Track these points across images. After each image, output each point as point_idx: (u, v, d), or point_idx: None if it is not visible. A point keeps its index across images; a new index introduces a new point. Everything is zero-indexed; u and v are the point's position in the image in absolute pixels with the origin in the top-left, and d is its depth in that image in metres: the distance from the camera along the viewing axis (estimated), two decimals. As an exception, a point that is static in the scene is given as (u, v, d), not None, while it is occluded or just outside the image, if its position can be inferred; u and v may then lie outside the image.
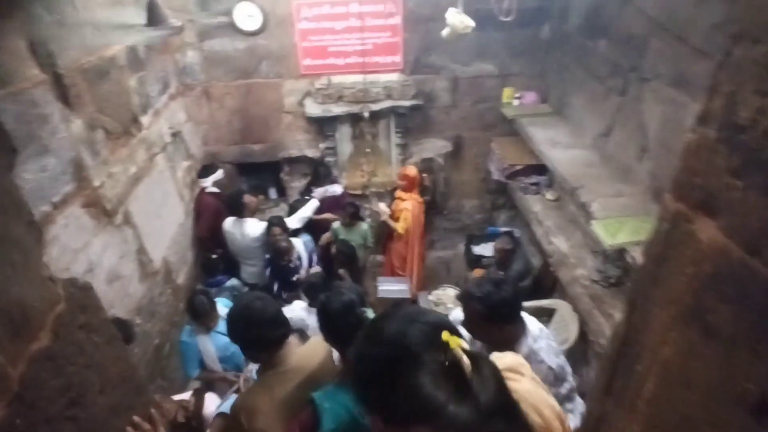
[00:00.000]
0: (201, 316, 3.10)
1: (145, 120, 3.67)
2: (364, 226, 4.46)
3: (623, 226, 2.83)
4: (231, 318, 1.87)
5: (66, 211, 2.60)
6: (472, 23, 3.33)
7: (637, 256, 2.63)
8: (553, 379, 1.92)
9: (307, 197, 4.66)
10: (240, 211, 4.18)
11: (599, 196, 3.16)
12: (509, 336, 1.94)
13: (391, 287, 4.48)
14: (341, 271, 4.18)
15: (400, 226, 4.45)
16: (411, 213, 4.43)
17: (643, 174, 3.14)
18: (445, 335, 0.78)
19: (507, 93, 4.72)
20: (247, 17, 4.18)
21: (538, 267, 4.69)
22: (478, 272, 4.86)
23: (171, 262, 3.91)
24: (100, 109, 3.03)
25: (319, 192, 4.58)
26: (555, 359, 1.96)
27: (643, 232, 2.71)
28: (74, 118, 2.76)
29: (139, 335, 3.13)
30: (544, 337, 2.00)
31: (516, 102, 4.71)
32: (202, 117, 4.73)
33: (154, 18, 2.03)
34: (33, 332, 0.87)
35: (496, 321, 1.89)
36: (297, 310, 3.35)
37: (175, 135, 4.29)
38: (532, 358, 1.89)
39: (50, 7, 2.63)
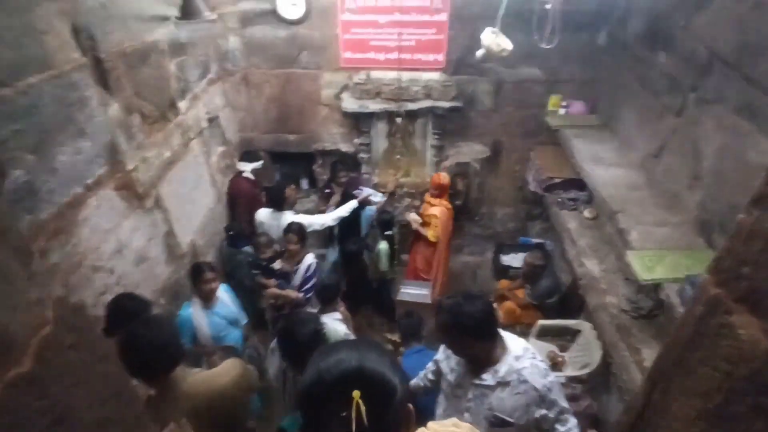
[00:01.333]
0: (198, 282, 3.23)
1: (182, 105, 3.70)
2: (383, 247, 4.35)
3: (662, 260, 2.63)
4: (121, 344, 1.81)
5: (98, 193, 2.67)
6: (509, 45, 3.16)
7: (672, 294, 2.44)
8: (539, 401, 1.92)
9: (328, 190, 4.62)
10: (281, 203, 4.19)
11: (640, 223, 2.96)
12: (484, 353, 1.95)
13: (412, 291, 4.42)
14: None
15: (431, 234, 4.37)
16: (440, 220, 4.31)
17: (691, 204, 2.91)
18: (355, 393, 0.88)
19: (553, 100, 4.49)
20: (291, 5, 4.13)
21: (567, 285, 4.50)
22: (504, 283, 4.71)
23: (199, 245, 3.97)
24: (139, 93, 3.07)
25: (361, 193, 4.50)
26: (541, 380, 1.92)
27: (683, 268, 2.52)
28: (112, 102, 2.81)
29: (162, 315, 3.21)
30: (529, 357, 1.97)
31: (562, 110, 4.47)
32: (240, 103, 4.75)
33: (188, 10, 1.98)
34: (13, 358, 0.86)
35: (464, 335, 1.90)
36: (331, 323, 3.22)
37: (212, 120, 4.33)
38: (514, 378, 1.91)
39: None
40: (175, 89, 3.58)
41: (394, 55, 4.30)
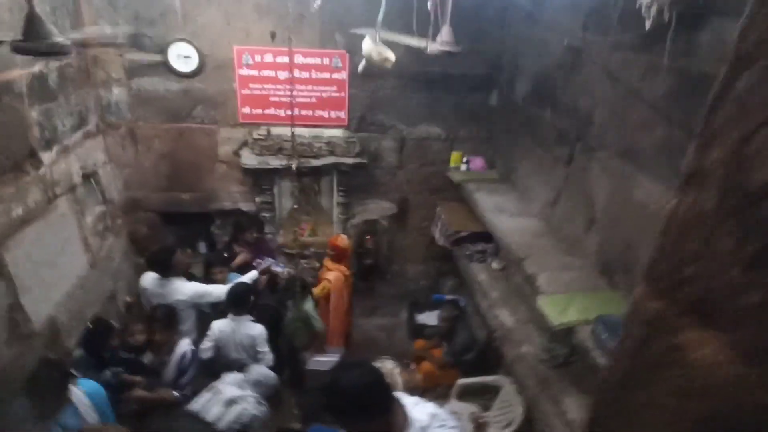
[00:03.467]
0: (42, 393, 2.44)
1: (46, 156, 3.20)
2: (309, 305, 3.93)
3: (571, 303, 2.60)
4: None
5: None
6: (392, 56, 2.94)
7: (585, 337, 2.37)
8: None
9: (226, 254, 4.18)
10: (167, 269, 3.65)
11: (546, 268, 2.95)
12: (381, 430, 1.63)
13: (323, 359, 4.03)
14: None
15: (316, 291, 4.06)
16: (332, 286, 4.06)
17: (590, 246, 2.98)
18: None
19: (455, 157, 4.63)
20: (183, 58, 3.90)
21: (483, 340, 4.39)
22: (420, 343, 4.50)
23: (60, 321, 3.28)
24: (-19, 139, 2.57)
25: (261, 264, 4.11)
26: None
27: (593, 310, 2.49)
28: (-62, 146, 2.30)
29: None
30: (437, 426, 1.68)
31: (463, 166, 4.61)
32: (126, 159, 4.28)
33: (33, 33, 1.66)
34: None
35: (349, 414, 1.59)
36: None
37: (89, 176, 3.82)
38: None
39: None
40: (36, 138, 3.09)
41: (294, 111, 4.18)
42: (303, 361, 4.06)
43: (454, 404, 3.80)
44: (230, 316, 3.45)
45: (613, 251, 2.76)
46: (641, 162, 2.53)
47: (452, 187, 4.67)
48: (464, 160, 4.60)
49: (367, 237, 4.68)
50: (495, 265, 3.94)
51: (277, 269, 4.18)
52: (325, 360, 4.07)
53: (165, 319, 3.26)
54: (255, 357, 3.47)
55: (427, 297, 5.27)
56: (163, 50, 3.88)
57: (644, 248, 2.47)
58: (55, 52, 1.76)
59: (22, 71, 2.95)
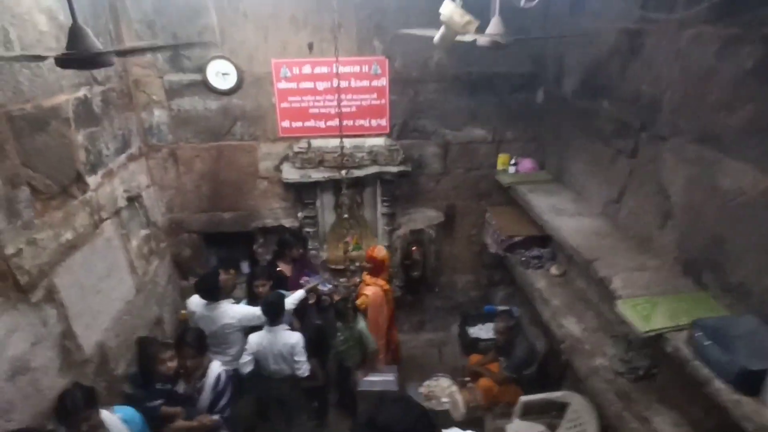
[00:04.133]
0: (67, 416, 2.38)
1: (92, 180, 3.20)
2: (361, 324, 3.76)
3: (655, 307, 2.31)
4: None
5: (-45, 285, 2.04)
6: (475, 20, 2.43)
7: (679, 345, 2.08)
8: None
9: (275, 270, 4.08)
10: (215, 293, 3.59)
11: (619, 270, 2.66)
12: None
13: (374, 379, 3.82)
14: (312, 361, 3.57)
15: (358, 301, 3.86)
16: (370, 300, 3.82)
17: (668, 243, 2.68)
18: None
19: (502, 159, 4.40)
20: (221, 75, 3.88)
21: (543, 352, 4.09)
22: (475, 358, 4.24)
23: (109, 347, 3.24)
24: (29, 164, 2.56)
25: (308, 282, 4.01)
26: None
27: (684, 314, 2.20)
28: (-11, 172, 2.28)
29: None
30: None
31: (512, 169, 4.37)
32: (168, 181, 4.28)
33: (77, 46, 1.60)
34: None
35: None
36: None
37: (133, 199, 3.82)
38: None
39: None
40: (82, 162, 3.10)
41: (335, 122, 4.09)
42: (354, 382, 3.87)
43: (518, 424, 3.52)
44: (266, 327, 3.42)
45: (696, 247, 2.46)
46: (726, 146, 2.25)
47: (501, 191, 4.44)
48: (512, 162, 4.36)
49: (414, 248, 4.48)
50: (554, 270, 3.67)
51: (323, 288, 4.05)
52: (376, 380, 3.86)
53: (195, 343, 3.14)
54: (293, 367, 3.42)
55: (479, 309, 5.02)
56: (201, 69, 3.87)
57: (739, 240, 2.18)
58: (98, 63, 1.68)
59: (68, 96, 2.97)
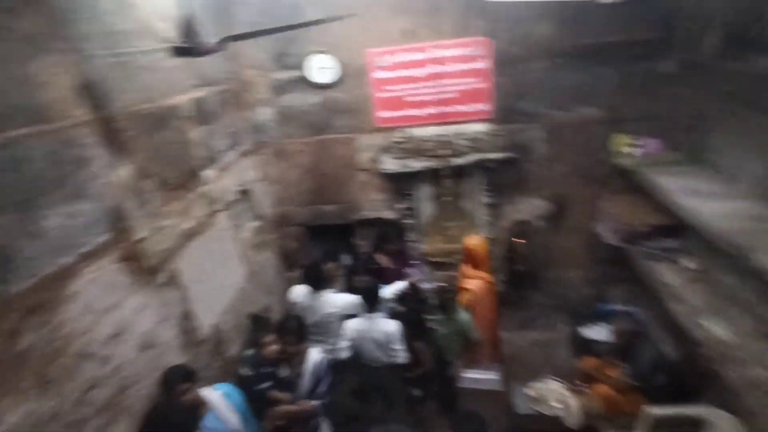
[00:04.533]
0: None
1: (207, 174, 3.43)
2: (464, 315, 3.63)
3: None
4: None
5: (95, 264, 2.27)
6: None
7: None
8: None
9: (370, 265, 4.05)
10: (320, 282, 3.68)
11: (789, 260, 2.17)
12: None
13: (477, 376, 3.61)
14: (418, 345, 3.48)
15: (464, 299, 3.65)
16: (477, 296, 3.59)
17: None
18: None
19: (621, 140, 3.90)
20: (320, 70, 3.95)
21: (676, 359, 3.54)
22: (590, 361, 3.80)
23: (223, 331, 3.45)
24: (155, 158, 2.80)
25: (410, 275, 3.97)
26: None
27: None
28: (122, 164, 2.52)
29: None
30: None
31: (634, 151, 3.85)
32: (275, 176, 4.48)
33: (189, 35, 1.66)
34: None
35: None
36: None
37: (244, 193, 4.05)
38: None
39: (109, 46, 2.49)
40: (198, 158, 3.33)
41: (433, 110, 3.95)
42: (455, 377, 3.69)
43: (645, 439, 3.07)
44: (364, 314, 3.41)
45: None
46: None
47: (618, 176, 3.97)
48: (637, 142, 3.84)
49: (518, 240, 4.18)
50: (691, 264, 3.15)
51: (424, 285, 3.94)
52: (478, 377, 3.65)
53: (295, 329, 3.18)
54: (390, 354, 3.37)
55: (591, 307, 4.53)
56: (302, 65, 3.98)
57: None
58: (209, 50, 1.73)
59: (187, 96, 3.20)
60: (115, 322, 2.36)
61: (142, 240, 2.60)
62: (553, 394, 3.56)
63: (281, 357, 3.25)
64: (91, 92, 2.34)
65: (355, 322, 3.45)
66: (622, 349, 3.44)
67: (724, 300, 2.82)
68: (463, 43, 3.81)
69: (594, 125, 3.97)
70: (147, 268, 2.63)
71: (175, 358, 2.81)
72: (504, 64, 3.84)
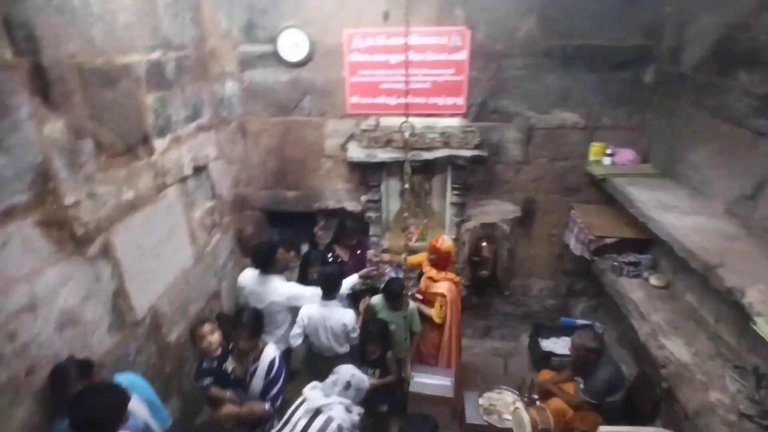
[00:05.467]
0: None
1: (159, 144, 3.16)
2: (412, 306, 3.48)
3: (809, 332, 1.73)
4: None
5: (11, 224, 1.99)
6: None
7: None
8: None
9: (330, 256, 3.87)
10: (268, 264, 3.48)
11: (757, 280, 2.08)
12: None
13: (428, 380, 3.43)
14: (389, 354, 3.40)
15: (435, 314, 3.47)
16: (447, 300, 3.44)
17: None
18: None
19: (595, 149, 3.82)
20: (293, 46, 3.73)
21: (633, 377, 3.48)
22: (546, 374, 3.72)
23: (162, 314, 3.20)
24: (97, 118, 2.52)
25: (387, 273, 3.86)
26: None
27: None
28: (53, 119, 2.25)
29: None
30: None
31: (607, 160, 3.78)
32: (236, 155, 4.22)
33: None
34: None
35: None
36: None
37: (199, 169, 3.78)
38: None
39: (49, -12, 2.22)
40: (150, 125, 3.06)
41: (405, 99, 3.77)
42: (407, 379, 3.53)
43: (596, 457, 2.97)
44: (320, 301, 3.28)
45: None
46: None
47: (592, 186, 3.89)
48: (608, 152, 3.76)
49: (484, 243, 4.04)
50: (655, 281, 3.08)
51: (393, 275, 3.79)
52: (429, 382, 3.48)
53: (251, 323, 2.87)
54: (344, 344, 3.32)
55: (554, 320, 4.46)
56: (273, 39, 3.75)
57: None
58: None
59: (143, 56, 2.94)
60: (29, 293, 2.09)
61: (71, 205, 2.33)
62: (506, 407, 3.44)
63: (228, 351, 3.00)
64: (20, 34, 2.07)
65: (309, 309, 3.29)
66: (580, 365, 3.34)
67: (686, 319, 2.75)
68: (443, 32, 3.65)
69: (571, 130, 3.88)
70: (75, 238, 2.36)
71: (104, 339, 2.56)
72: (483, 58, 3.69)
